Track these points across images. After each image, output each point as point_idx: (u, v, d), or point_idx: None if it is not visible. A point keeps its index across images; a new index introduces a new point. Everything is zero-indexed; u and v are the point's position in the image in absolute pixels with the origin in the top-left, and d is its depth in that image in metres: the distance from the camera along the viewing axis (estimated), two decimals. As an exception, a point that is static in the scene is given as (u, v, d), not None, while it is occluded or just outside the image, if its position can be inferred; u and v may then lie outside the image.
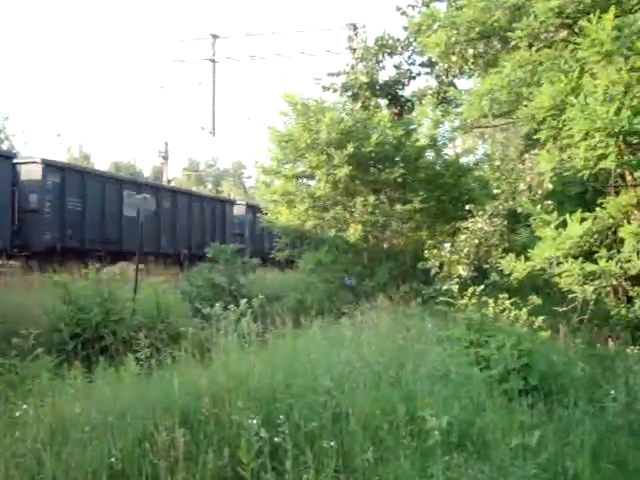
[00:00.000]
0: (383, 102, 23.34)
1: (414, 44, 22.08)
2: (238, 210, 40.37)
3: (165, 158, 46.22)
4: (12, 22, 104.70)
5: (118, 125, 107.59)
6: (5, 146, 52.04)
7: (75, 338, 12.32)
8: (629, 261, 12.28)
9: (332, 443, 5.74)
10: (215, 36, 42.41)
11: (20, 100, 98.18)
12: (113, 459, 5.45)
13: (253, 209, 40.83)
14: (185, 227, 33.70)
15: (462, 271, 15.33)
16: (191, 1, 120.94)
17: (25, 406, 5.98)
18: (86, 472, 5.33)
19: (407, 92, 23.73)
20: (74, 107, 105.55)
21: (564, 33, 14.23)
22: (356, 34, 31.06)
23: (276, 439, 5.60)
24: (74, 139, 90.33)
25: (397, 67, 23.71)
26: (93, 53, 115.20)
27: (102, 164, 61.72)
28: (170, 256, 30.87)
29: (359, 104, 22.44)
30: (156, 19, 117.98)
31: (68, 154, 56.65)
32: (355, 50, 25.63)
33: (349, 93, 23.16)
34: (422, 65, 23.25)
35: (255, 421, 5.57)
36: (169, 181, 44.95)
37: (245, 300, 11.37)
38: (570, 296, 12.53)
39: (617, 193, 13.56)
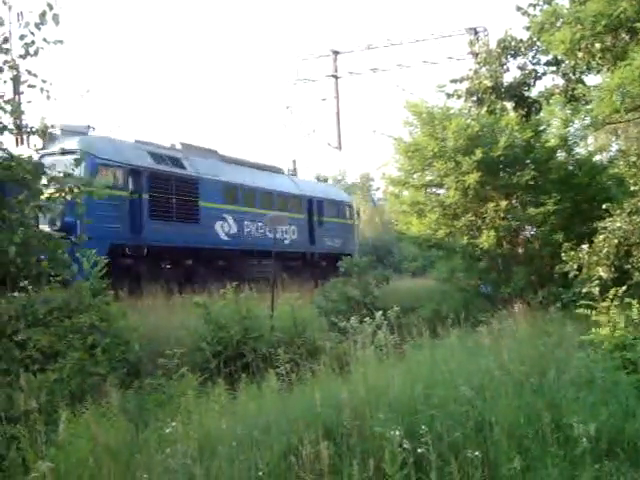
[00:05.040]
0: (509, 105, 22.89)
1: (538, 43, 21.59)
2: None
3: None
4: (138, 46, 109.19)
5: (249, 146, 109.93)
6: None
7: (217, 356, 12.64)
8: None
9: (476, 453, 5.65)
10: (336, 52, 42.80)
11: (149, 122, 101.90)
12: (260, 473, 5.56)
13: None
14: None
15: (602, 272, 14.78)
16: (312, 21, 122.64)
17: (174, 424, 6.20)
18: (235, 486, 5.47)
19: (533, 93, 23.20)
20: (206, 129, 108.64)
21: (697, 19, 13.61)
22: (477, 38, 30.72)
23: (419, 450, 5.58)
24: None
25: (521, 68, 23.24)
26: (221, 78, 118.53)
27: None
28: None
29: (485, 108, 22.11)
30: (280, 41, 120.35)
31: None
32: (477, 54, 25.29)
33: (474, 98, 22.85)
34: (547, 64, 22.67)
35: (398, 432, 5.57)
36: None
37: (380, 312, 11.39)
38: None
39: None
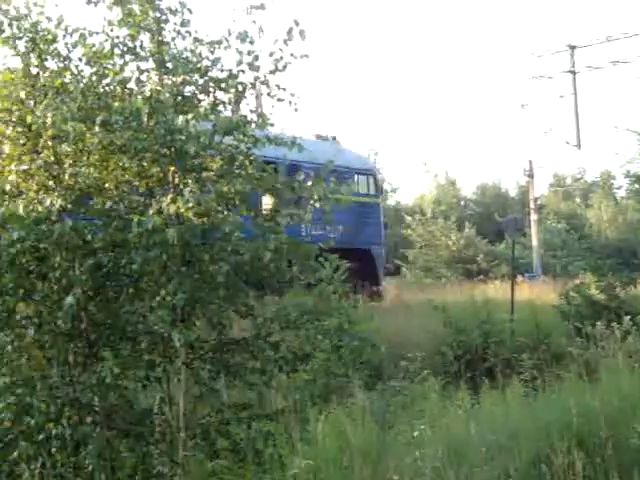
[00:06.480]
0: None
1: None
2: None
3: (530, 176, 45.64)
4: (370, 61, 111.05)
5: (481, 147, 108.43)
6: (376, 179, 54.77)
7: (458, 360, 12.61)
8: None
9: None
10: (573, 47, 41.23)
11: (387, 133, 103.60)
12: (510, 480, 5.48)
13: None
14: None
15: None
16: (547, 16, 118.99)
17: (422, 427, 6.25)
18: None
19: None
20: (438, 134, 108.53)
21: None
22: None
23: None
24: (440, 166, 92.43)
25: None
26: (450, 78, 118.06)
27: (468, 188, 62.20)
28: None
29: None
30: (512, 39, 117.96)
31: (434, 181, 58.19)
32: None
33: None
34: None
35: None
36: (536, 199, 44.32)
37: (628, 317, 10.85)
38: None
39: None
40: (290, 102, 6.41)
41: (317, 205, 6.02)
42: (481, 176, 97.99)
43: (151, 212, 5.48)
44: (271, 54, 6.26)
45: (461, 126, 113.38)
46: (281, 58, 6.26)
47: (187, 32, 6.19)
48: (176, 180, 5.88)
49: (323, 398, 9.55)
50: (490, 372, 11.22)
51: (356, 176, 24.63)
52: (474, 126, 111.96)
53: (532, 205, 42.44)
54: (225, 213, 5.90)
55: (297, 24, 6.24)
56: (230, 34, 6.20)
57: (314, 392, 9.46)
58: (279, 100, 6.39)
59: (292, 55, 6.28)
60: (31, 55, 6.20)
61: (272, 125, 6.34)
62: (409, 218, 42.74)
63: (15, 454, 5.44)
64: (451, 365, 12.39)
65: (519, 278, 31.16)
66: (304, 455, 6.03)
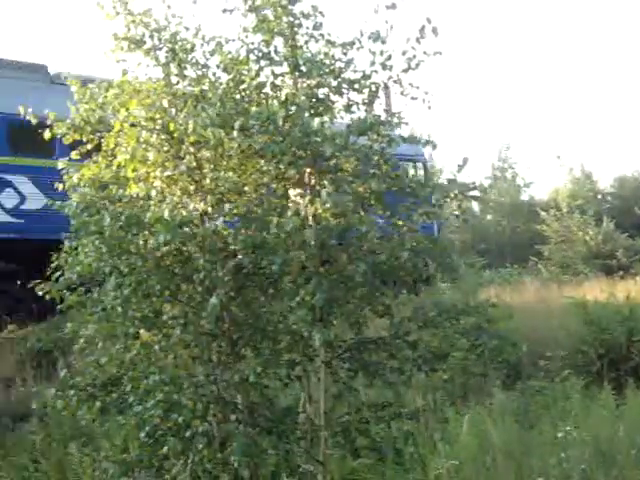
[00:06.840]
0: None
1: None
2: None
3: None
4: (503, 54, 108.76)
5: (619, 138, 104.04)
6: (509, 175, 53.58)
7: (600, 359, 12.21)
8: None
9: None
10: None
11: (520, 127, 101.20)
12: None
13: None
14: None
15: None
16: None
17: (568, 428, 6.09)
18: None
19: None
20: (572, 127, 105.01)
21: None
22: None
23: None
24: (574, 159, 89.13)
25: None
26: (584, 66, 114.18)
27: (605, 181, 59.51)
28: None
29: None
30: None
31: (569, 175, 56.27)
32: None
33: None
34: None
35: None
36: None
37: None
38: None
39: None
40: (423, 100, 6.36)
41: (453, 205, 5.98)
42: (619, 168, 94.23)
43: (289, 214, 5.56)
44: (404, 53, 6.22)
45: (597, 117, 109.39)
46: (414, 57, 6.21)
47: (320, 35, 6.24)
48: (312, 181, 5.94)
49: (461, 397, 9.47)
50: (635, 372, 10.81)
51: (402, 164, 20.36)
52: (611, 116, 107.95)
53: (675, 197, 40.63)
54: (361, 213, 5.92)
55: (429, 21, 6.18)
56: (362, 35, 6.21)
57: (453, 391, 9.39)
58: (412, 98, 6.35)
59: (425, 53, 6.22)
60: (171, 65, 6.38)
61: (406, 124, 6.31)
62: (543, 213, 41.62)
63: (164, 450, 5.65)
64: (593, 364, 12.00)
65: (663, 274, 29.86)
66: (445, 455, 5.98)
